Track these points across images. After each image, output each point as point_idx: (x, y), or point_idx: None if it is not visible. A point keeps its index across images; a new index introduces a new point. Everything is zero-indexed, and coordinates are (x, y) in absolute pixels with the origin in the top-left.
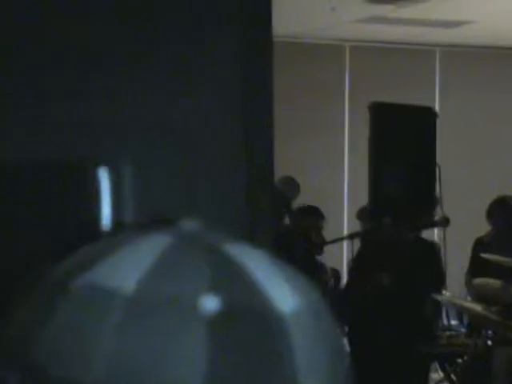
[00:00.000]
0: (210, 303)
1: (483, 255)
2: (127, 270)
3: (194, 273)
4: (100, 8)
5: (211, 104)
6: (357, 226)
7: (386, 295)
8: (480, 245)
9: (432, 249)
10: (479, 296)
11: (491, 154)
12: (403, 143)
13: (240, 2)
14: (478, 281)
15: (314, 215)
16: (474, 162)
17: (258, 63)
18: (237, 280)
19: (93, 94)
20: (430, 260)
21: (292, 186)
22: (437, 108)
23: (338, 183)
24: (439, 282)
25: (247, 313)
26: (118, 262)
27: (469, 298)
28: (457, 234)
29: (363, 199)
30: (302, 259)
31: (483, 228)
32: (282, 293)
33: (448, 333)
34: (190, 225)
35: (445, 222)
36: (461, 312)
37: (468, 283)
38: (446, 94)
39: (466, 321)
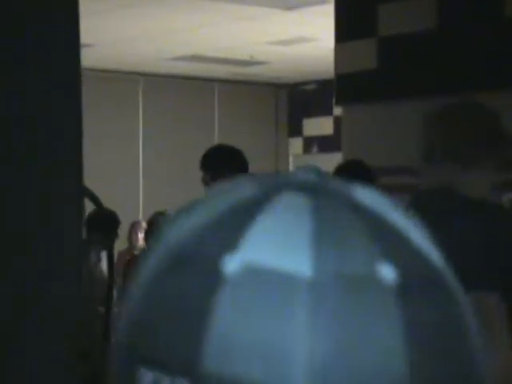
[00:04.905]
0: (389, 274)
1: None
2: (287, 246)
3: (358, 241)
4: None
5: None
6: None
7: None
8: None
9: None
10: None
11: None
12: None
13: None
14: None
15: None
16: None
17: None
18: (403, 245)
19: None
20: None
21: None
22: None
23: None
24: None
25: (429, 285)
26: (267, 235)
27: None
28: None
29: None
30: None
31: None
32: (441, 261)
33: None
34: (307, 175)
35: None
36: None
37: None
38: None
39: None
